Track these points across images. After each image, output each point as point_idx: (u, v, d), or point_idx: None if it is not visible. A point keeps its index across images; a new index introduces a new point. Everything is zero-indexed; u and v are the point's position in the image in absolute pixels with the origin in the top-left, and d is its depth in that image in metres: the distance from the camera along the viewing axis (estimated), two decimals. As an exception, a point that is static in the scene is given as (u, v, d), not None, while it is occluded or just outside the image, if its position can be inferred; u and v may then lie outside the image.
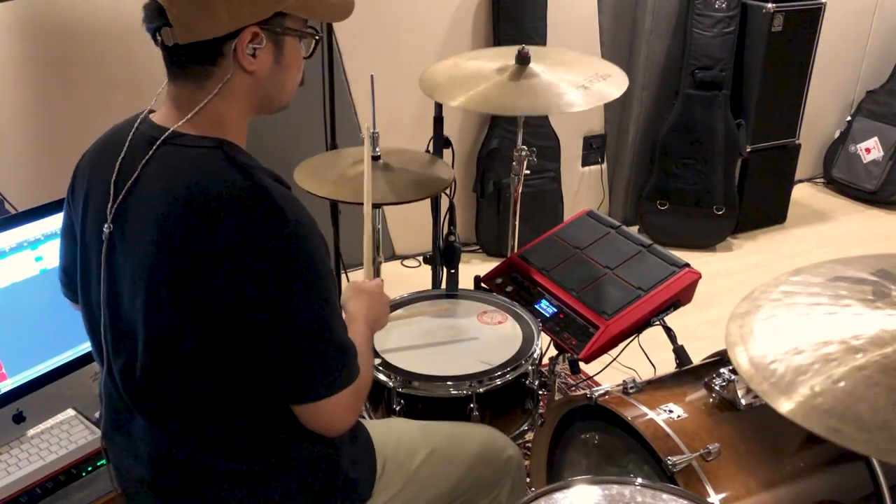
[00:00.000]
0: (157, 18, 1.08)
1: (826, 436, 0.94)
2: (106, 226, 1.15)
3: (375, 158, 2.08)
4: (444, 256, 2.20)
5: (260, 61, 1.13)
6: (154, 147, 1.13)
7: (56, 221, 1.57)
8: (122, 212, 1.15)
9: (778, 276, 1.23)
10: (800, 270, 1.22)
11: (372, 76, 2.06)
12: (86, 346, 1.65)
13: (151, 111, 1.20)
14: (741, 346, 1.10)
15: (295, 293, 1.09)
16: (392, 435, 1.46)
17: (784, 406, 0.99)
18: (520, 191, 2.35)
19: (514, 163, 2.30)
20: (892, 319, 1.05)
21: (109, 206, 1.15)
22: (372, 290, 1.47)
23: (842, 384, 0.98)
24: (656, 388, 1.66)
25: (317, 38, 1.20)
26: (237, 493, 1.22)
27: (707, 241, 3.68)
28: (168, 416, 1.19)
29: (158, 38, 1.10)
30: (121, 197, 1.14)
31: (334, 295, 1.16)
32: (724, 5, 3.43)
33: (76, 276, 1.32)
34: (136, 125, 1.18)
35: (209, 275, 1.07)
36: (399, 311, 1.93)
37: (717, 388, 1.59)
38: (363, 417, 1.76)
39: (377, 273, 2.12)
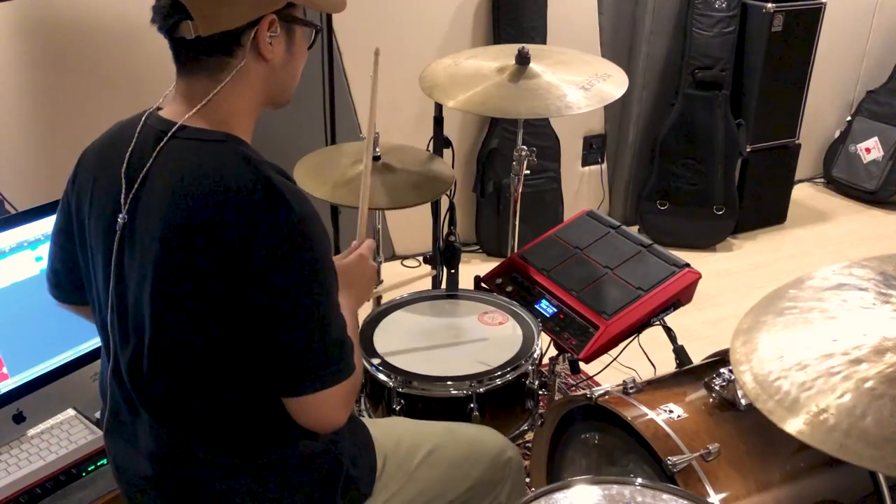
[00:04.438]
0: (174, 13, 1.09)
1: (834, 453, 0.94)
2: (120, 216, 1.15)
3: (376, 159, 2.08)
4: (444, 256, 2.20)
5: (275, 50, 1.16)
6: (164, 140, 1.14)
7: (56, 221, 1.58)
8: (132, 204, 1.15)
9: (779, 287, 1.23)
10: (800, 281, 1.22)
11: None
12: (85, 346, 1.66)
13: (159, 108, 1.20)
14: (746, 364, 1.09)
15: (299, 287, 1.10)
16: (392, 434, 1.46)
17: (791, 425, 0.99)
18: (520, 191, 2.35)
19: (514, 163, 2.30)
20: (893, 325, 1.05)
21: (123, 196, 1.15)
22: (351, 265, 1.44)
23: (846, 398, 0.98)
24: (656, 388, 1.66)
25: (317, 29, 1.24)
26: (239, 488, 1.22)
27: (707, 241, 3.68)
28: (173, 410, 1.19)
29: (176, 33, 1.10)
30: (134, 189, 1.15)
31: (335, 289, 1.17)
32: (724, 5, 3.43)
33: (65, 276, 1.33)
34: (143, 120, 1.19)
35: (216, 268, 1.08)
36: (399, 312, 1.93)
37: (717, 388, 1.59)
38: (363, 416, 1.76)
39: (377, 263, 2.10)
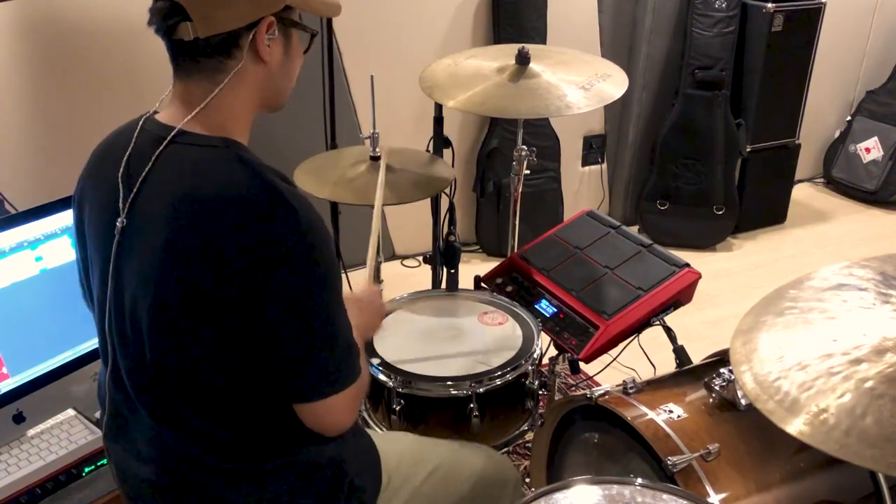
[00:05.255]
0: (172, 15, 1.09)
1: (834, 453, 0.94)
2: (119, 220, 1.15)
3: (375, 159, 2.08)
4: (444, 256, 2.20)
5: (273, 52, 1.16)
6: (163, 145, 1.13)
7: (56, 221, 1.58)
8: (130, 209, 1.15)
9: (779, 287, 1.23)
10: (800, 281, 1.22)
11: (372, 76, 2.06)
12: (85, 346, 1.66)
13: (155, 112, 1.20)
14: (746, 364, 1.09)
15: (305, 292, 1.10)
16: (397, 450, 1.46)
17: (791, 426, 0.99)
18: (520, 191, 2.35)
19: (514, 163, 2.30)
20: (893, 325, 1.05)
21: (121, 201, 1.15)
22: (364, 298, 1.48)
23: (846, 398, 0.98)
24: (656, 388, 1.66)
25: (314, 34, 1.24)
26: (241, 493, 1.22)
27: (707, 241, 3.68)
28: (175, 414, 1.19)
29: (174, 35, 1.10)
30: (132, 194, 1.15)
31: (341, 294, 1.17)
32: (724, 5, 3.43)
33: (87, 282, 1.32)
34: (140, 124, 1.18)
35: (219, 274, 1.07)
36: (399, 312, 1.93)
37: (717, 388, 1.59)
38: (368, 427, 1.76)
39: (377, 277, 2.12)
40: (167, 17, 1.10)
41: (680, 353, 2.02)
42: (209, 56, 1.13)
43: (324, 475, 1.26)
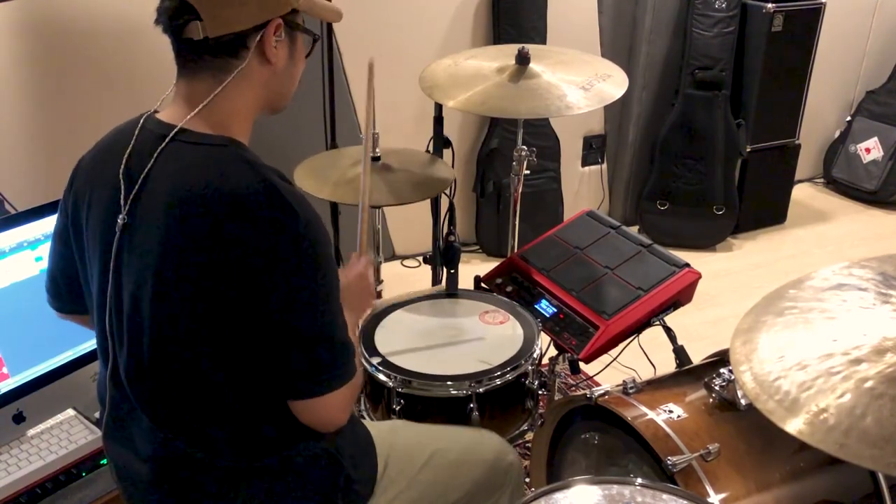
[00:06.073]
0: (181, 14, 1.10)
1: (833, 453, 0.94)
2: (120, 217, 1.15)
3: (375, 159, 2.08)
4: (444, 256, 2.20)
5: (279, 54, 1.17)
6: (165, 142, 1.14)
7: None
8: (132, 207, 1.15)
9: (779, 287, 1.23)
10: (800, 281, 1.22)
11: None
12: (85, 346, 1.66)
13: (156, 111, 1.20)
14: (746, 364, 1.09)
15: (303, 291, 1.10)
16: (394, 437, 1.47)
17: (791, 425, 0.99)
18: (520, 191, 2.35)
19: (514, 163, 2.30)
20: (893, 325, 1.05)
21: (123, 198, 1.15)
22: (350, 285, 1.45)
23: (846, 398, 0.98)
24: (656, 388, 1.66)
25: (316, 37, 1.26)
26: (238, 490, 1.22)
27: (707, 241, 3.68)
28: (172, 413, 1.19)
29: (183, 34, 1.11)
30: (133, 191, 1.15)
31: (338, 292, 1.17)
32: (724, 5, 3.43)
33: (64, 285, 1.32)
34: (141, 123, 1.19)
35: (217, 272, 1.08)
36: (399, 312, 1.93)
37: (716, 388, 1.59)
38: (364, 418, 1.76)
39: (377, 277, 2.12)
40: (176, 17, 1.11)
41: (680, 353, 2.02)
42: (216, 56, 1.14)
43: (320, 470, 1.26)
